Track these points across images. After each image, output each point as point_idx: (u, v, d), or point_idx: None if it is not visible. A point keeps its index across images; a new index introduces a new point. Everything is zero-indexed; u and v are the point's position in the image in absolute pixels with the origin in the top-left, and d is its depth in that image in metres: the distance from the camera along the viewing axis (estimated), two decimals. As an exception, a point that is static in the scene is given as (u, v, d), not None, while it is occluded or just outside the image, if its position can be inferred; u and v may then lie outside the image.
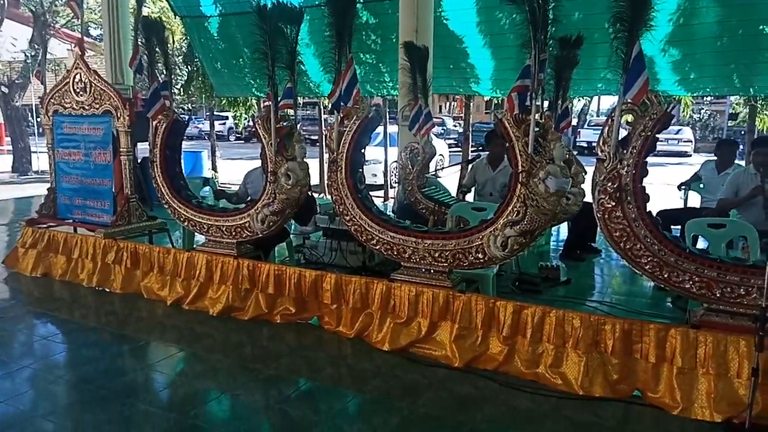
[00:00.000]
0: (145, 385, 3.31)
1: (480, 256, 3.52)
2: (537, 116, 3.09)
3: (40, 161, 14.15)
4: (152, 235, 5.34)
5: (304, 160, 4.11)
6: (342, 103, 3.85)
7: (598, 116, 27.36)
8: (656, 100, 2.84)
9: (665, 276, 3.09)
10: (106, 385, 3.21)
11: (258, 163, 5.08)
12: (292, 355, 3.68)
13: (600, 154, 3.04)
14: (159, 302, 4.60)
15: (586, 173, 4.67)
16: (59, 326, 4.19)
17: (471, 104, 10.33)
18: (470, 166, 6.11)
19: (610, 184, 3.02)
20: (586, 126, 23.21)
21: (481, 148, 15.92)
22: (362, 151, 3.99)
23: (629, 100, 2.87)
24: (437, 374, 3.39)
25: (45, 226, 5.40)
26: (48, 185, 5.62)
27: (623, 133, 3.10)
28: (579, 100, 10.38)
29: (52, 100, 5.33)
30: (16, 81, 13.79)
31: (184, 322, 4.22)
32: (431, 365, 3.49)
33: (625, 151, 2.97)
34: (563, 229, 7.03)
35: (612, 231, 3.11)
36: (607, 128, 3.03)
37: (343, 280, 3.96)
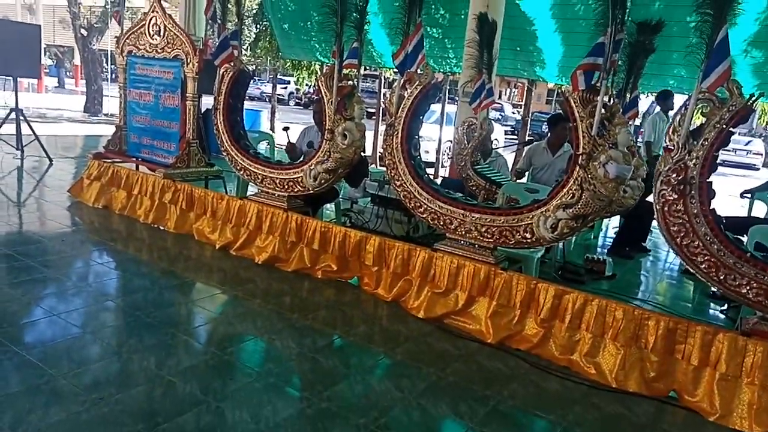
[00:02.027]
0: (187, 319, 3.46)
1: (527, 235, 3.47)
2: (605, 98, 2.98)
3: (111, 104, 14.77)
4: (208, 181, 5.51)
5: (362, 121, 4.13)
6: (406, 67, 3.82)
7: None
8: (737, 91, 2.69)
9: (721, 278, 2.97)
10: (151, 314, 3.37)
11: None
12: (329, 309, 3.75)
13: (668, 143, 2.92)
14: (208, 245, 4.76)
15: (647, 168, 4.51)
16: (114, 256, 4.40)
17: (533, 91, 10.08)
18: (526, 148, 5.97)
19: (674, 175, 2.90)
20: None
21: (538, 137, 15.58)
22: (420, 118, 3.97)
23: (706, 89, 2.73)
24: (469, 347, 3.39)
25: (110, 161, 5.65)
26: (115, 126, 5.86)
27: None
28: (647, 95, 9.94)
29: (127, 41, 5.52)
30: (95, 25, 14.33)
31: (230, 266, 4.36)
32: (463, 338, 3.50)
33: (695, 143, 2.84)
34: (613, 224, 6.83)
35: (670, 225, 3.00)
36: (679, 117, 2.89)
37: (386, 244, 3.99)
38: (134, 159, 5.67)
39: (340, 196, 5.53)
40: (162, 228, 5.08)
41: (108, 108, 14.55)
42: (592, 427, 2.74)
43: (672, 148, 2.90)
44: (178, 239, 4.87)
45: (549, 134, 5.48)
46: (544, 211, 3.38)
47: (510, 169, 6.17)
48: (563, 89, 3.26)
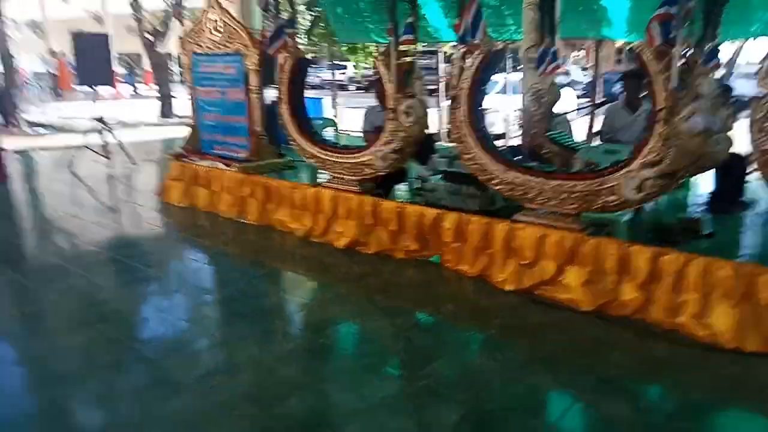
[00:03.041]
0: (280, 307, 3.61)
1: (612, 198, 3.34)
2: (682, 48, 2.80)
3: (181, 106, 15.39)
4: (281, 172, 5.66)
5: (424, 98, 4.09)
6: (469, 38, 3.73)
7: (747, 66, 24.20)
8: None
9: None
10: (247, 303, 3.54)
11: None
12: (414, 288, 3.80)
13: (761, 87, 2.71)
14: (290, 234, 4.92)
15: (736, 118, 4.21)
16: (205, 252, 4.64)
17: (600, 51, 9.57)
18: (605, 110, 5.71)
19: (773, 121, 2.70)
20: (733, 77, 20.67)
21: (610, 98, 14.86)
22: (483, 88, 3.88)
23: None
24: (563, 316, 3.33)
25: (188, 160, 5.92)
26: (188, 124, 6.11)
27: None
28: (729, 43, 9.16)
29: (189, 40, 5.71)
30: (159, 29, 14.88)
31: (313, 253, 4.49)
32: (557, 307, 3.44)
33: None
34: (703, 182, 6.42)
35: (772, 175, 2.81)
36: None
37: (462, 220, 3.97)
38: (209, 156, 5.91)
39: (412, 176, 5.54)
40: (244, 221, 5.29)
41: (178, 109, 15.19)
42: (712, 390, 2.62)
43: (765, 92, 2.69)
44: (260, 231, 5.06)
45: (626, 93, 5.22)
46: (627, 171, 3.24)
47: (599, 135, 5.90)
48: (635, 45, 3.08)
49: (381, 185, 4.76)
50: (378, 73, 4.31)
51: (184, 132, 6.33)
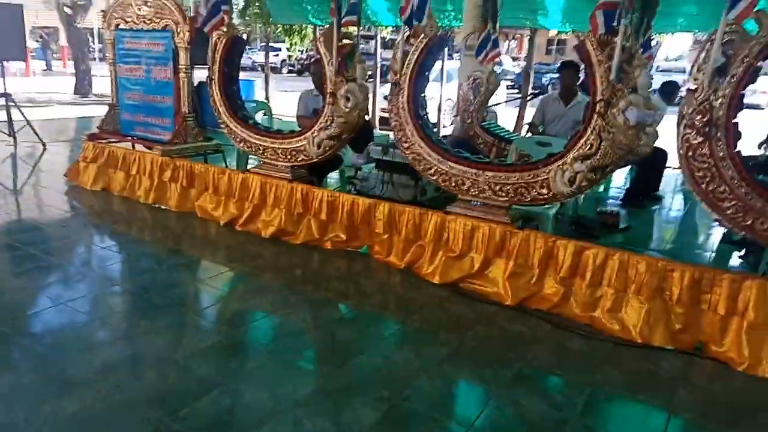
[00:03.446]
0: (196, 299, 3.36)
1: (544, 191, 3.33)
2: (624, 38, 2.79)
3: (100, 84, 14.45)
4: (207, 156, 5.35)
5: (365, 83, 3.95)
6: (415, 21, 3.60)
7: (666, 61, 25.69)
8: (767, 21, 2.50)
9: (748, 223, 2.84)
10: (160, 295, 3.27)
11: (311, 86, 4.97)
12: (341, 280, 3.65)
13: (692, 83, 2.74)
14: (212, 222, 4.64)
15: (662, 113, 4.33)
16: (117, 239, 4.29)
17: (533, 40, 9.75)
18: (538, 100, 5.76)
19: (699, 117, 2.74)
20: (654, 71, 21.83)
21: (539, 90, 15.24)
22: (427, 74, 3.78)
23: (732, 20, 2.54)
24: (488, 310, 3.29)
25: (105, 141, 5.49)
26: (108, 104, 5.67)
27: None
28: (653, 38, 9.58)
29: (113, 14, 5.28)
30: (79, 2, 13.90)
31: (236, 242, 4.25)
32: (481, 301, 3.40)
33: (721, 81, 2.66)
34: (619, 175, 6.64)
35: (694, 170, 2.86)
36: (703, 53, 2.71)
37: (396, 210, 3.86)
38: (129, 138, 5.50)
39: (344, 164, 5.38)
40: (164, 207, 4.95)
41: (97, 88, 14.25)
42: (620, 384, 2.66)
43: (696, 87, 2.72)
44: (180, 218, 4.75)
45: (560, 83, 5.27)
46: (561, 164, 3.23)
47: (515, 124, 5.97)
48: (579, 34, 3.05)
49: (314, 172, 4.57)
50: (317, 55, 4.11)
51: (102, 111, 5.87)
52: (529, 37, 9.24)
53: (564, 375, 2.70)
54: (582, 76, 5.59)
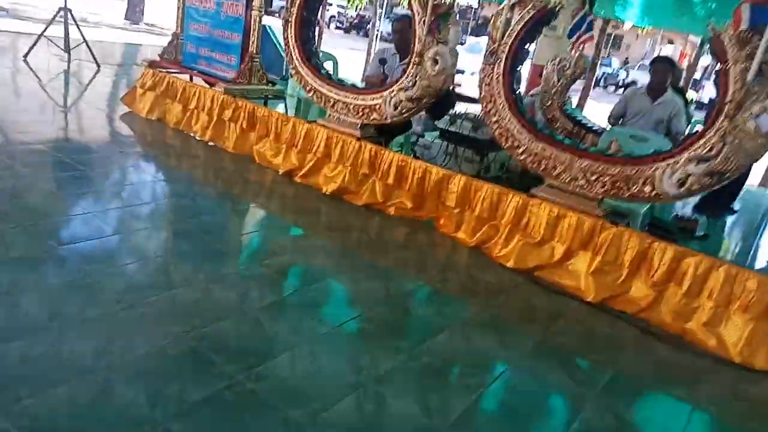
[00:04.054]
0: (257, 249, 3.18)
1: (647, 189, 3.06)
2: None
3: (151, 14, 14.20)
4: (267, 100, 5.12)
5: (456, 47, 3.66)
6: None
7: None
8: None
9: None
10: (219, 241, 3.11)
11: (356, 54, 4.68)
12: (408, 251, 3.44)
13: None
14: (269, 169, 4.44)
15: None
16: (166, 171, 4.10)
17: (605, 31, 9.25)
18: (623, 93, 5.42)
19: None
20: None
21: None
22: (527, 46, 3.49)
23: None
24: (569, 305, 3.07)
25: (165, 70, 5.27)
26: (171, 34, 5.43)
27: None
28: None
29: (188, -61, 5.01)
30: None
31: (293, 193, 4.05)
32: (559, 293, 3.18)
33: None
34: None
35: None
36: None
37: (472, 185, 3.62)
38: (190, 70, 5.28)
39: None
40: (220, 146, 4.76)
41: (148, 17, 13.99)
42: (727, 404, 2.46)
43: None
44: (236, 160, 4.55)
45: (651, 78, 4.93)
46: (672, 163, 2.95)
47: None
48: (713, 27, 2.74)
49: (384, 133, 4.33)
50: (403, 17, 3.82)
51: (152, 41, 5.63)
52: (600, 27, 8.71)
53: (667, 389, 2.50)
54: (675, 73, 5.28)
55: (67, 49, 6.89)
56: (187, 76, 5.27)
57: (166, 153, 4.46)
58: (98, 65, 7.04)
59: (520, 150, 3.45)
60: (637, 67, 23.90)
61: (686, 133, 5.07)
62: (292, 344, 2.24)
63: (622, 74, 23.99)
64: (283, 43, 4.56)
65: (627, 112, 5.10)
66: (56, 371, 1.84)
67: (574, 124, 4.81)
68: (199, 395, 1.86)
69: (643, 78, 21.79)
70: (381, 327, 2.50)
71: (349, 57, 5.53)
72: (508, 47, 3.41)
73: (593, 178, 3.21)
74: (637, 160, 3.10)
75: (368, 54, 10.17)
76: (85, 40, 6.91)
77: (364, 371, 2.15)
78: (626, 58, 27.48)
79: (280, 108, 5.30)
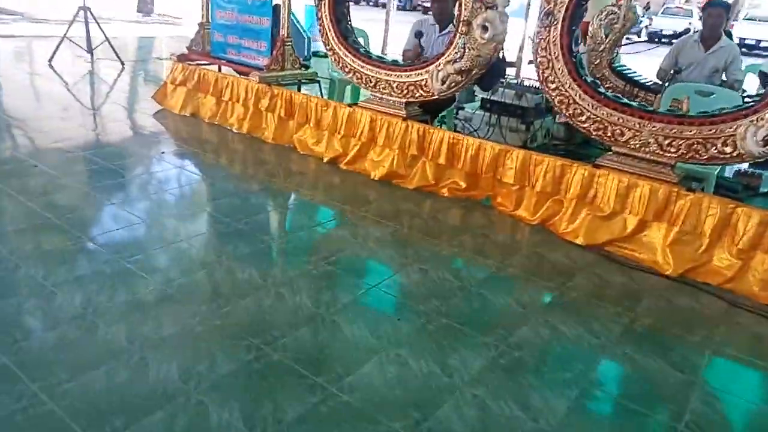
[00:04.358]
0: (316, 245, 3.07)
1: (728, 150, 2.85)
2: None
3: (162, 3, 14.01)
4: (301, 85, 4.97)
5: (506, 11, 3.44)
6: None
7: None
8: None
9: None
10: (261, 238, 3.00)
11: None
12: (469, 234, 3.29)
13: None
14: (312, 158, 4.32)
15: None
16: (210, 172, 3.99)
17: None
18: (673, 43, 5.11)
19: None
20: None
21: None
22: (585, 5, 3.25)
23: None
24: (649, 280, 2.91)
25: (195, 63, 5.14)
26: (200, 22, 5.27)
27: None
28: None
29: None
30: None
31: (341, 181, 3.92)
32: (635, 268, 3.02)
33: None
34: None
35: None
36: None
37: (533, 159, 3.44)
38: (220, 60, 5.14)
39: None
40: (259, 138, 4.64)
41: (159, 7, 13.82)
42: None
43: None
44: (277, 151, 4.43)
45: (704, 25, 4.62)
46: (755, 119, 2.73)
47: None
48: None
49: (429, 110, 4.15)
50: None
51: (166, 32, 5.50)
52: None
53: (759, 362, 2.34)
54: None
55: (90, 49, 6.80)
56: (215, 67, 5.14)
57: (205, 150, 4.35)
58: (122, 63, 6.94)
59: (583, 117, 3.25)
60: (660, 13, 22.83)
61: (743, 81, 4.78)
62: (378, 349, 2.14)
63: (645, 21, 22.99)
64: (300, 21, 4.40)
65: (678, 63, 4.80)
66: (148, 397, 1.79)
67: (625, 81, 4.55)
68: (295, 413, 1.78)
69: (668, 25, 20.84)
70: (462, 322, 2.38)
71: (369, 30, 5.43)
72: (564, 6, 3.17)
73: (666, 142, 3.01)
74: (715, 119, 2.88)
75: (386, 24, 9.85)
76: (107, 39, 6.81)
77: (456, 373, 2.05)
78: (647, 3, 26.26)
79: (313, 92, 5.14)
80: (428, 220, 3.47)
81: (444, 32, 4.29)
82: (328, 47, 4.22)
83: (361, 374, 1.99)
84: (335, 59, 4.21)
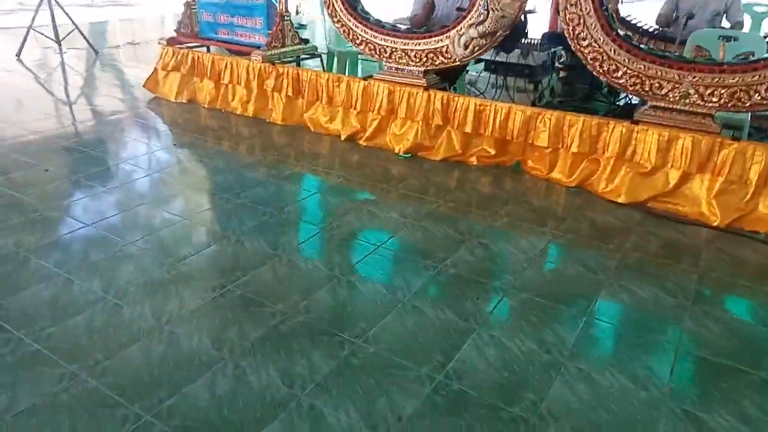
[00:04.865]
0: (349, 232, 2.97)
1: (771, 95, 2.84)
2: None
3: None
4: (300, 61, 4.77)
5: (528, -33, 3.32)
6: None
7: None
8: None
9: None
10: (295, 227, 2.90)
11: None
12: (513, 202, 3.24)
13: None
14: (328, 136, 4.18)
15: None
16: (225, 157, 3.80)
17: None
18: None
19: None
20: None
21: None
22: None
23: None
24: (699, 233, 2.93)
25: (185, 46, 4.87)
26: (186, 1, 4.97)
27: None
28: None
29: None
30: None
31: (365, 159, 3.80)
32: (683, 222, 3.03)
33: None
34: None
35: None
36: None
37: (567, 120, 3.38)
38: (211, 41, 4.89)
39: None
40: (266, 120, 4.46)
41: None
42: None
43: None
44: (289, 132, 4.27)
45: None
46: (800, 63, 2.72)
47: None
48: None
49: (446, 76, 4.03)
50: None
51: (120, 15, 5.19)
52: None
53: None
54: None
55: (58, 39, 6.37)
56: (204, 49, 4.88)
57: (216, 138, 4.14)
58: (96, 51, 6.54)
59: (619, 73, 3.19)
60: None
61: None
62: (468, 330, 2.10)
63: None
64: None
65: (679, 9, 4.76)
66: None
67: (633, 31, 4.50)
68: (328, 368, 1.87)
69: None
70: (543, 295, 2.35)
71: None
72: (594, -40, 3.08)
73: (708, 92, 2.98)
74: (758, 65, 2.86)
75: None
76: (76, 26, 6.39)
77: (555, 348, 2.02)
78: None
79: (314, 67, 4.94)
80: (468, 192, 3.39)
81: (456, -7, 4.15)
82: (335, 19, 4.03)
83: (462, 358, 1.94)
84: (343, 30, 4.03)
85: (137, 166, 3.53)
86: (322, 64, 4.98)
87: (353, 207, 3.13)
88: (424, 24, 4.19)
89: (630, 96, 5.05)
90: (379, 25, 3.91)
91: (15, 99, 4.88)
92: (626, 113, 3.86)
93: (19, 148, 3.74)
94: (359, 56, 5.26)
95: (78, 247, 2.60)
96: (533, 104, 4.36)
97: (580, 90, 5.07)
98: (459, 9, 4.09)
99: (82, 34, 6.42)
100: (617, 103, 4.85)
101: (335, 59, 5.14)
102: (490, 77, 4.66)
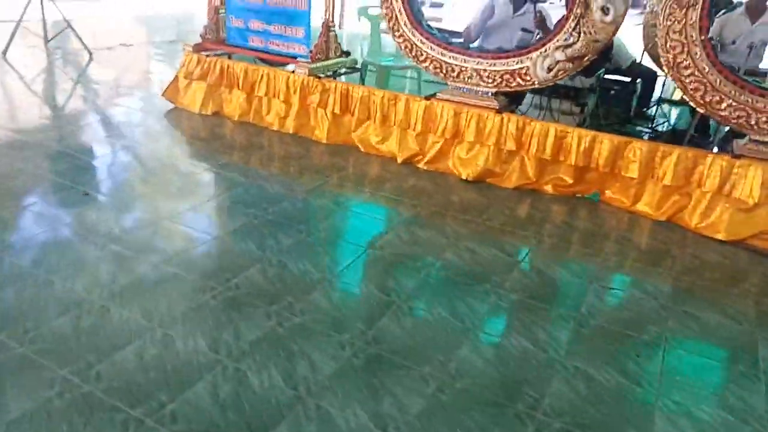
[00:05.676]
0: (423, 270, 2.68)
1: None
2: None
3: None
4: (336, 75, 4.42)
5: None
6: None
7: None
8: None
9: None
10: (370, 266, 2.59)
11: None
12: (604, 238, 3.03)
13: None
14: (379, 158, 3.86)
15: None
16: (272, 182, 3.41)
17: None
18: (717, 18, 5.00)
19: None
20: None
21: None
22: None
23: None
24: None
25: (211, 53, 4.44)
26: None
27: None
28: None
29: None
30: None
31: (427, 185, 3.49)
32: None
33: None
34: None
35: None
36: None
37: (660, 151, 3.20)
38: (238, 49, 4.47)
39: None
40: (308, 138, 4.09)
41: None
42: None
43: None
44: (336, 152, 3.92)
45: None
46: None
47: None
48: None
49: (514, 98, 3.80)
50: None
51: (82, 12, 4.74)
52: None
53: None
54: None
55: (46, 37, 5.76)
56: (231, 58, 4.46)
57: (259, 159, 3.73)
58: (90, 52, 5.95)
59: (723, 105, 3.04)
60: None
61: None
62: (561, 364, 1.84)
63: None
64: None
65: (723, 36, 4.72)
66: None
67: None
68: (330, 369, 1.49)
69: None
70: (688, 351, 2.13)
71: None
72: (706, -15, 2.91)
73: (822, 127, 2.87)
74: None
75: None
76: (68, 24, 5.79)
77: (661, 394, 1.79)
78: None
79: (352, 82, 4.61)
80: (559, 226, 3.15)
81: (518, 13, 3.92)
82: (397, 33, 3.72)
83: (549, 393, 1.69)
84: (406, 46, 3.73)
85: (190, 196, 3.11)
86: (362, 78, 4.65)
87: (447, 244, 2.83)
88: (475, 38, 3.97)
89: (673, 123, 5.00)
90: (446, 42, 3.63)
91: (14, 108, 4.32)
92: (672, 139, 3.82)
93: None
94: (392, 70, 4.98)
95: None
96: (579, 126, 4.20)
97: (619, 113, 4.97)
98: (524, 30, 3.88)
99: (75, 32, 5.83)
100: (656, 128, 4.77)
101: (366, 72, 4.83)
102: (533, 99, 4.47)
